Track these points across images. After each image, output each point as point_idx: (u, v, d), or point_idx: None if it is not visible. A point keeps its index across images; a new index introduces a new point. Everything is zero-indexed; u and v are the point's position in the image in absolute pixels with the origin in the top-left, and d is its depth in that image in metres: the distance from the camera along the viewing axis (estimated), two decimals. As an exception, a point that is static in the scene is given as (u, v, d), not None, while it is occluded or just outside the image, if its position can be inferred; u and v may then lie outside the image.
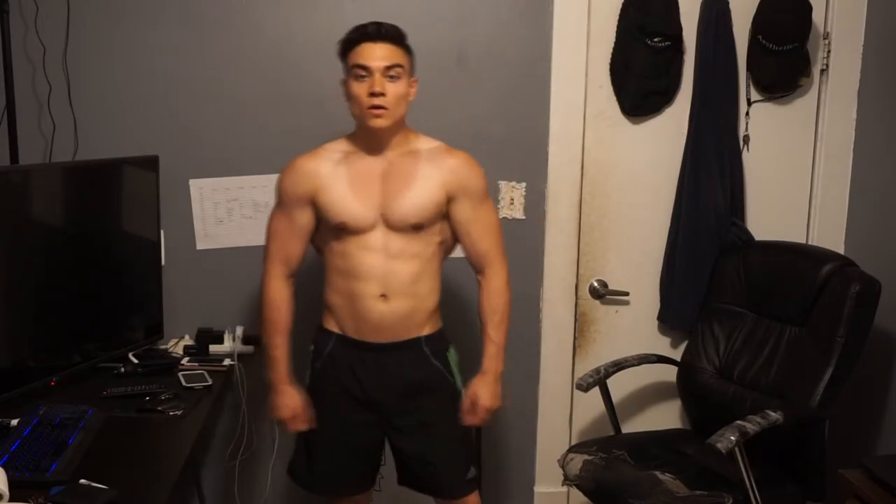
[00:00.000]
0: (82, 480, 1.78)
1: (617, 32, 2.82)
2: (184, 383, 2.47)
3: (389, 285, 2.12)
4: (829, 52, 2.87)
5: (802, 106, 2.92)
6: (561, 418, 3.05)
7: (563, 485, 2.68)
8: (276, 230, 2.23)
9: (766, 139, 2.92)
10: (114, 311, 2.55)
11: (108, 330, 2.54)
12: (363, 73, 2.05)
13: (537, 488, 3.09)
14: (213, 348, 2.72)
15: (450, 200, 2.16)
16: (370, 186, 2.12)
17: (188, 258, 2.79)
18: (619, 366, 2.77)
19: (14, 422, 2.06)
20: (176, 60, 2.72)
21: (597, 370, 2.73)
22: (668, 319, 2.95)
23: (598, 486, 2.49)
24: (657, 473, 2.41)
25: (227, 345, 2.75)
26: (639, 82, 2.82)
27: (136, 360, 2.59)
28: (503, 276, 2.25)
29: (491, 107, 2.80)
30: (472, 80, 2.78)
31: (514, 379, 2.97)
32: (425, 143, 2.19)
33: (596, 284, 2.99)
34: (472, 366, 2.27)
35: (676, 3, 2.80)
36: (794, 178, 2.97)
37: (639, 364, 2.83)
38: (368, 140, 2.14)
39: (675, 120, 2.88)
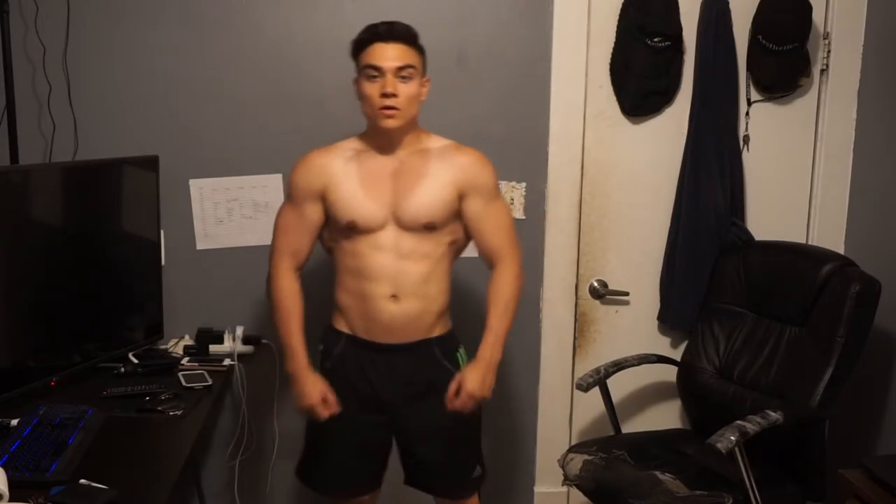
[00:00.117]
0: (82, 480, 1.78)
1: (617, 32, 2.82)
2: (184, 383, 2.47)
3: (400, 285, 2.12)
4: (829, 52, 2.87)
5: (802, 106, 2.92)
6: (561, 418, 3.05)
7: (563, 485, 2.68)
8: (286, 224, 2.23)
9: (766, 139, 2.92)
10: (114, 311, 2.55)
11: (108, 330, 2.54)
12: (375, 73, 2.05)
13: (537, 488, 3.10)
14: (213, 348, 2.72)
15: (461, 198, 2.16)
16: (381, 185, 2.12)
17: (188, 258, 2.79)
18: (619, 366, 2.77)
19: (14, 422, 2.06)
20: (176, 60, 2.72)
21: (597, 370, 2.73)
22: (668, 319, 2.95)
23: (598, 486, 2.49)
24: (657, 473, 2.41)
25: (227, 345, 2.75)
26: (639, 82, 2.82)
27: (136, 360, 2.59)
28: (514, 269, 2.23)
29: (491, 107, 2.80)
30: (472, 80, 2.78)
31: (515, 379, 2.99)
32: (436, 142, 2.19)
33: (596, 284, 2.99)
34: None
35: (676, 3, 2.80)
36: (794, 178, 2.97)
37: (639, 364, 2.83)
38: (380, 139, 2.14)
39: (675, 120, 2.88)
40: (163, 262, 2.73)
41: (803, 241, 2.96)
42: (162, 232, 2.70)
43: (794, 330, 2.61)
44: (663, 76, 2.84)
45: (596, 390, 2.72)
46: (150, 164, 2.60)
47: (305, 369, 2.19)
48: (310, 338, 2.26)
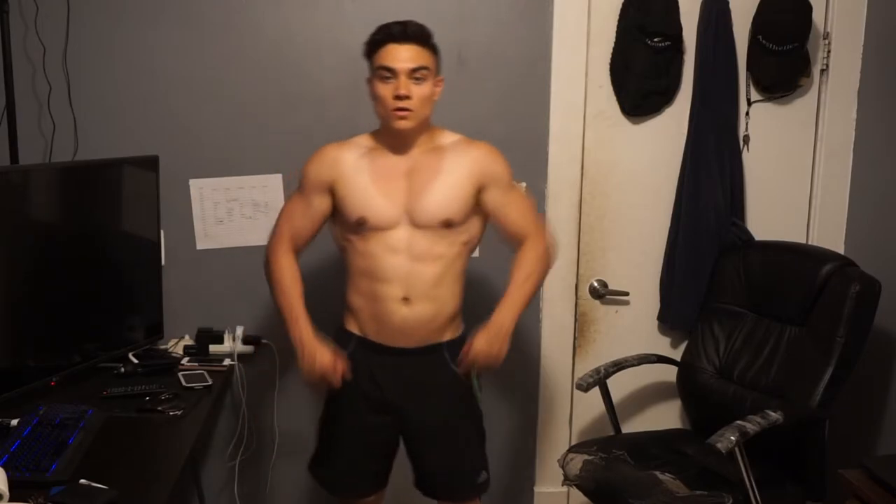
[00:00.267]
0: (82, 480, 1.78)
1: (617, 32, 2.82)
2: (184, 383, 2.47)
3: (412, 287, 2.11)
4: (829, 52, 2.87)
5: (802, 106, 2.92)
6: (561, 418, 3.05)
7: (563, 485, 2.68)
8: (292, 210, 2.24)
9: (766, 139, 2.92)
10: (114, 311, 2.55)
11: (108, 330, 2.54)
12: (388, 74, 2.05)
13: (537, 488, 3.10)
14: (213, 348, 2.72)
15: (480, 191, 2.16)
16: (394, 183, 2.11)
17: (188, 258, 2.79)
18: (619, 366, 2.77)
19: (14, 422, 2.06)
20: (176, 60, 2.71)
21: (597, 370, 2.72)
22: (668, 319, 2.95)
23: (598, 486, 2.49)
24: (657, 473, 2.41)
25: (227, 345, 2.74)
26: (639, 82, 2.82)
27: (136, 360, 2.59)
28: (541, 245, 2.22)
29: (491, 107, 2.80)
30: (472, 80, 2.78)
31: (515, 379, 2.99)
32: (447, 138, 2.19)
33: (596, 284, 2.99)
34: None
35: (676, 3, 2.80)
36: (794, 178, 2.97)
37: (639, 364, 2.83)
38: (393, 139, 2.14)
39: (675, 120, 2.88)
40: (163, 262, 2.73)
41: (803, 241, 2.96)
42: (162, 232, 2.70)
43: (794, 330, 2.61)
44: (663, 76, 2.84)
45: (596, 390, 2.72)
46: (150, 164, 2.60)
47: (313, 337, 2.14)
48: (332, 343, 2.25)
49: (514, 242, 2.23)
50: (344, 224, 2.18)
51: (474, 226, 2.20)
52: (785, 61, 2.79)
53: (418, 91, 2.05)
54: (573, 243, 2.93)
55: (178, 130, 2.74)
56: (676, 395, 2.93)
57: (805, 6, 2.75)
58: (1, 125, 2.55)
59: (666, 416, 3.06)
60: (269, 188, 2.77)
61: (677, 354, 2.92)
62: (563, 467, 2.60)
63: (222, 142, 2.77)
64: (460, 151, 2.16)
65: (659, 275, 2.96)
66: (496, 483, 3.00)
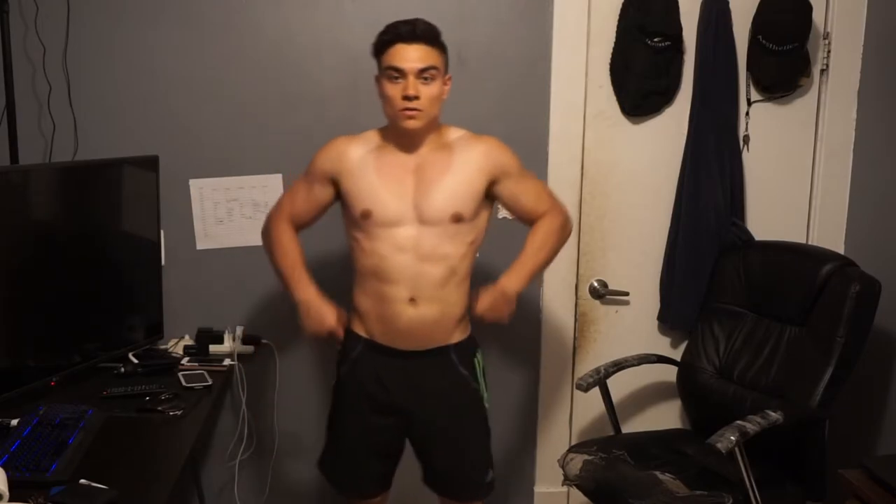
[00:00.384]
0: (82, 480, 1.78)
1: (617, 32, 2.82)
2: (184, 383, 2.47)
3: (419, 288, 2.11)
4: (829, 52, 2.87)
5: (802, 106, 2.92)
6: (561, 418, 3.05)
7: (563, 485, 2.68)
8: (295, 191, 2.26)
9: (766, 139, 2.92)
10: (114, 311, 2.55)
11: (108, 330, 2.54)
12: (397, 74, 2.04)
13: (537, 488, 3.10)
14: (213, 348, 2.72)
15: (493, 183, 2.17)
16: (402, 180, 2.12)
17: (188, 258, 2.79)
18: (619, 366, 2.77)
19: (14, 422, 2.06)
20: (176, 60, 2.72)
21: (597, 370, 2.72)
22: (668, 319, 2.95)
23: (598, 486, 2.49)
24: (657, 473, 2.41)
25: (227, 345, 2.75)
26: (639, 82, 2.82)
27: (136, 360, 2.59)
28: (559, 218, 2.26)
29: (491, 107, 2.80)
30: (472, 80, 2.78)
31: (515, 379, 2.99)
32: (453, 134, 2.20)
33: (596, 284, 2.99)
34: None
35: (676, 3, 2.80)
36: (794, 178, 2.97)
37: (639, 364, 2.82)
38: (401, 138, 2.14)
39: (675, 120, 2.88)
40: (163, 262, 2.73)
41: (803, 241, 2.96)
42: (162, 232, 2.70)
43: (794, 330, 2.61)
44: (663, 76, 2.84)
45: (596, 390, 2.72)
46: (150, 164, 2.60)
47: (318, 297, 2.16)
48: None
49: (531, 222, 2.26)
50: (350, 219, 2.18)
51: (481, 224, 2.20)
52: (785, 61, 2.79)
53: (427, 91, 2.05)
54: (573, 243, 2.93)
55: (178, 130, 2.74)
56: (676, 395, 2.93)
57: (805, 6, 2.75)
58: (1, 125, 2.55)
59: (666, 416, 3.06)
60: (269, 188, 2.77)
61: (677, 354, 2.92)
62: (563, 467, 2.60)
63: (222, 142, 2.77)
64: (468, 147, 2.17)
65: (659, 275, 2.96)
66: (496, 483, 3.01)
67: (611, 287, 2.99)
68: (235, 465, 2.89)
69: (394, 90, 2.05)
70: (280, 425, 2.91)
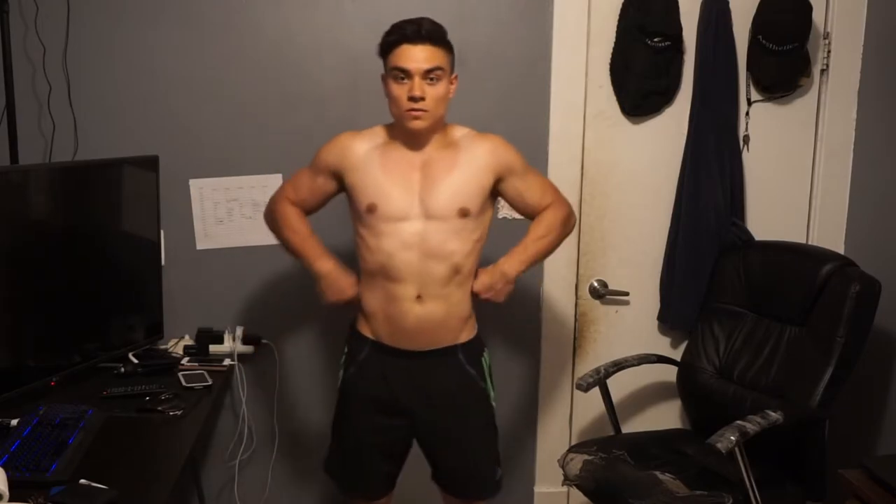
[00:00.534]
0: (82, 480, 1.78)
1: (617, 32, 2.82)
2: (184, 383, 2.47)
3: (424, 285, 2.11)
4: (829, 52, 2.87)
5: (802, 106, 2.92)
6: (561, 418, 3.05)
7: (563, 485, 2.68)
8: (299, 179, 2.28)
9: (766, 139, 2.92)
10: (114, 311, 2.55)
11: (108, 330, 2.54)
12: (402, 75, 2.05)
13: (537, 488, 3.10)
14: (213, 348, 2.72)
15: (499, 180, 2.18)
16: (408, 175, 2.12)
17: (188, 258, 2.79)
18: (619, 366, 2.77)
19: (14, 422, 2.06)
20: (176, 60, 2.71)
21: (597, 370, 2.72)
22: (668, 319, 2.95)
23: (598, 486, 2.49)
24: (657, 473, 2.41)
25: (227, 345, 2.74)
26: (639, 82, 2.82)
27: (136, 360, 2.59)
28: (563, 210, 2.28)
29: (491, 107, 2.80)
30: (472, 80, 2.78)
31: (515, 379, 2.99)
32: (458, 132, 2.20)
33: (596, 284, 2.99)
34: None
35: (676, 3, 2.80)
36: (794, 178, 2.97)
37: (639, 364, 2.82)
38: (407, 135, 2.14)
39: (675, 120, 2.88)
40: (163, 262, 2.73)
41: (803, 241, 2.96)
42: (162, 232, 2.70)
43: (794, 330, 2.61)
44: (663, 76, 2.84)
45: (596, 390, 2.72)
46: (150, 164, 2.60)
47: (337, 267, 2.18)
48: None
49: (536, 216, 2.27)
50: (356, 215, 2.18)
51: (486, 221, 2.21)
52: (785, 61, 2.79)
53: (433, 91, 2.05)
54: (573, 243, 2.93)
55: (178, 130, 2.74)
56: (676, 395, 2.93)
57: (805, 6, 2.75)
58: (1, 125, 2.55)
59: (666, 416, 3.06)
60: (269, 188, 2.76)
61: (677, 354, 2.92)
62: (563, 467, 2.60)
63: (222, 142, 2.77)
64: (473, 144, 2.18)
65: (659, 275, 2.96)
66: (496, 483, 3.01)
67: (611, 287, 2.99)
68: (235, 465, 2.89)
69: (400, 91, 2.05)
70: (280, 425, 2.91)
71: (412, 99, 2.04)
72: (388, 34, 2.09)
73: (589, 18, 2.82)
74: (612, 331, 3.02)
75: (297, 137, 2.70)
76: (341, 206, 2.26)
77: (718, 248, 2.84)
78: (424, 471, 2.36)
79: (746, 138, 2.91)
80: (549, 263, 2.93)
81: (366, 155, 2.15)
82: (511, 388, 2.98)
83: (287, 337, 2.86)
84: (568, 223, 2.30)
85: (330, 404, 2.37)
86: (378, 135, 2.19)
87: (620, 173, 2.93)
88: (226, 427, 2.91)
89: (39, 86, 2.66)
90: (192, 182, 2.77)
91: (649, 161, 2.92)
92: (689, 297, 2.86)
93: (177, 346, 2.76)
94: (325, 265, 2.18)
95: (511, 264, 2.19)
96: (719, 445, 2.19)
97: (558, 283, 2.95)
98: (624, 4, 2.80)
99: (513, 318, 2.87)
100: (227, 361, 2.70)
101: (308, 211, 2.28)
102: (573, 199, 2.88)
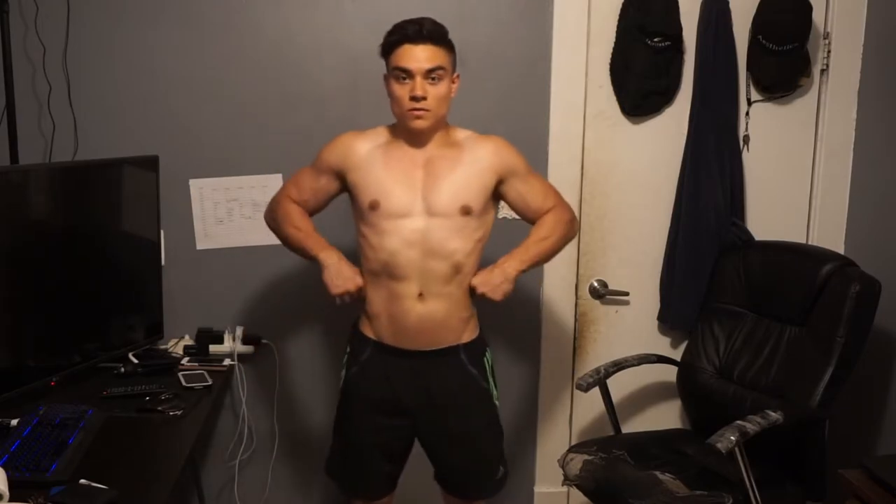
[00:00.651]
0: (82, 480, 1.78)
1: (617, 32, 2.82)
2: (184, 383, 2.47)
3: (426, 283, 2.11)
4: (829, 52, 2.86)
5: (802, 106, 2.92)
6: (561, 418, 3.05)
7: (563, 485, 2.68)
8: (301, 178, 2.28)
9: (766, 139, 2.92)
10: (114, 311, 2.55)
11: (108, 330, 2.54)
12: (404, 75, 2.05)
13: (537, 488, 3.10)
14: (213, 348, 2.72)
15: (501, 182, 2.19)
16: (411, 173, 2.13)
17: (188, 258, 2.79)
18: (619, 366, 2.77)
19: (14, 422, 2.06)
20: (176, 60, 2.71)
21: (597, 370, 2.72)
22: (668, 319, 2.95)
23: (598, 486, 2.49)
24: (657, 473, 2.41)
25: (227, 345, 2.75)
26: (639, 82, 2.82)
27: (136, 360, 2.59)
28: (565, 213, 2.27)
29: (491, 107, 2.80)
30: (472, 80, 2.77)
31: (515, 379, 2.99)
32: (460, 133, 2.21)
33: (596, 284, 2.99)
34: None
35: (676, 3, 2.80)
36: (794, 178, 2.97)
37: (639, 364, 2.82)
38: (410, 135, 2.15)
39: (675, 120, 2.88)
40: (163, 262, 2.73)
41: (803, 241, 2.96)
42: (162, 232, 2.70)
43: (794, 330, 2.61)
44: (663, 76, 2.84)
45: (596, 390, 2.72)
46: (150, 164, 2.60)
47: (343, 259, 2.15)
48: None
49: (538, 220, 2.27)
50: (358, 213, 2.18)
51: (488, 220, 2.21)
52: (785, 61, 2.79)
53: (434, 91, 2.06)
54: (573, 243, 2.92)
55: (178, 130, 2.74)
56: (676, 395, 2.93)
57: (805, 6, 2.75)
58: (1, 125, 2.55)
59: (666, 416, 3.06)
60: (269, 188, 2.77)
61: (677, 354, 2.92)
62: (563, 467, 2.60)
63: (222, 142, 2.77)
64: (476, 145, 2.18)
65: (659, 275, 2.96)
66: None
67: (611, 287, 2.99)
68: (235, 465, 2.89)
69: (401, 90, 2.06)
70: (280, 425, 2.91)
71: (414, 98, 2.04)
72: (389, 34, 2.09)
73: (589, 18, 2.82)
74: (612, 331, 3.02)
75: (297, 137, 2.71)
76: (343, 206, 2.26)
77: (718, 248, 2.84)
78: (425, 471, 2.36)
79: (746, 138, 2.91)
80: (549, 263, 2.90)
81: (368, 154, 2.16)
82: (511, 388, 2.98)
83: (287, 337, 2.86)
84: (570, 228, 2.29)
85: (329, 404, 2.37)
86: (381, 135, 2.20)
87: (620, 173, 2.93)
88: (226, 427, 2.91)
89: (39, 86, 2.66)
90: (192, 182, 2.76)
91: (649, 161, 2.92)
92: (689, 297, 2.86)
93: (177, 346, 2.76)
94: (331, 256, 2.16)
95: (511, 263, 2.18)
96: (719, 445, 2.19)
97: (558, 284, 2.95)
98: (624, 4, 2.80)
99: (513, 318, 2.87)
100: (227, 361, 2.70)
101: (310, 211, 2.28)
102: (573, 200, 2.89)
